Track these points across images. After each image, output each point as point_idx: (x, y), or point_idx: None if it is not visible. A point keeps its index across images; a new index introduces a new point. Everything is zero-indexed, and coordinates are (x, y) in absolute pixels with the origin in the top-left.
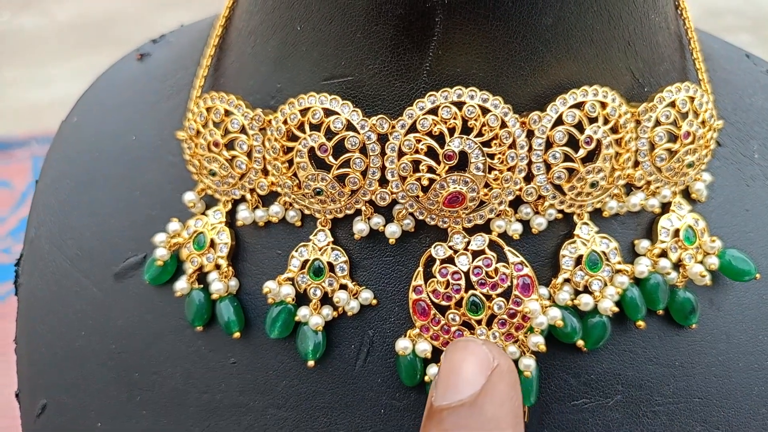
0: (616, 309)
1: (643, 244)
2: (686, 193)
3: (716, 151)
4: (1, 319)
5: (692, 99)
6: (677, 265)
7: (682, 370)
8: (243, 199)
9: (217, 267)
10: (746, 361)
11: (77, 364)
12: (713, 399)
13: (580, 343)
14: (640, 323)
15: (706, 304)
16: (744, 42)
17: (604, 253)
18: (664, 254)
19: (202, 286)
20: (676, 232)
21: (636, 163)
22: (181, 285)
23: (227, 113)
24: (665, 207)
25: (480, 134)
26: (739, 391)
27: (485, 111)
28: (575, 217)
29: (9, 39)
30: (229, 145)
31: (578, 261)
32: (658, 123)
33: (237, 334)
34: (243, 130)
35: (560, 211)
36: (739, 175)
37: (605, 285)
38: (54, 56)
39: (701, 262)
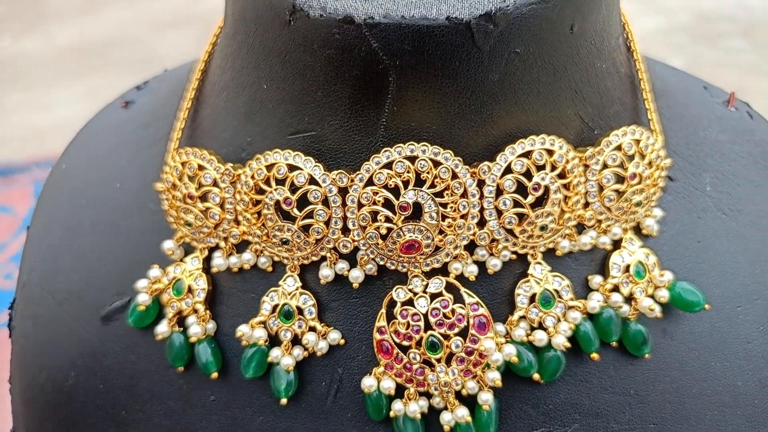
0: (568, 344)
1: (596, 280)
2: (638, 229)
3: (668, 186)
4: (2, 345)
5: (638, 141)
6: (629, 299)
7: (637, 398)
8: (218, 247)
9: (195, 311)
10: (699, 387)
11: (68, 403)
12: (668, 425)
13: (536, 376)
14: (594, 355)
15: (660, 334)
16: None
17: (556, 291)
18: (616, 289)
19: (181, 329)
20: (627, 268)
21: (586, 204)
22: (162, 329)
23: (200, 167)
24: (617, 243)
25: (432, 185)
26: (693, 416)
27: (437, 164)
28: (529, 257)
29: (10, 64)
30: (203, 198)
31: (532, 299)
32: (605, 166)
33: (215, 375)
34: (215, 184)
35: (514, 252)
36: (691, 208)
37: (558, 321)
38: (55, 80)
39: (652, 296)
